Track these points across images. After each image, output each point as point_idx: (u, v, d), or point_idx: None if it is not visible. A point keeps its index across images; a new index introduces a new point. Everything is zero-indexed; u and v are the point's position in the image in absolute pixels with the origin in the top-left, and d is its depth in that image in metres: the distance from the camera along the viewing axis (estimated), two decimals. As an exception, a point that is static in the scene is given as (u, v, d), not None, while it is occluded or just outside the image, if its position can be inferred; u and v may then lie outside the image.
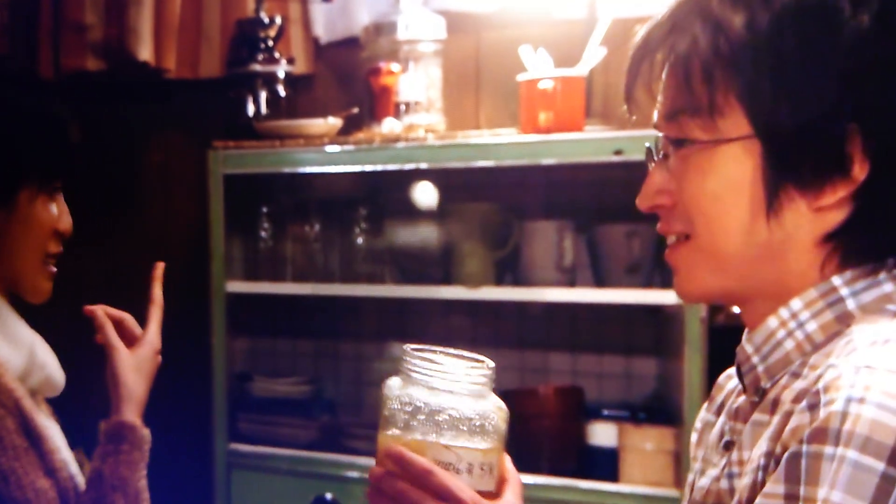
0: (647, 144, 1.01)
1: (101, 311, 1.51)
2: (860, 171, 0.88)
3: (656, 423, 2.27)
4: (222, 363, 2.61)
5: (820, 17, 0.87)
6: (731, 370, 1.08)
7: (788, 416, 0.85)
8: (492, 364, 1.01)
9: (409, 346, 1.02)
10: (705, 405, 1.13)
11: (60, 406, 1.55)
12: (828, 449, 0.78)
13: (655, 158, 0.99)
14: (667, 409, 2.34)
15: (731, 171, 0.91)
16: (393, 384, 1.02)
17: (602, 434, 2.31)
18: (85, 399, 1.65)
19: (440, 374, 0.99)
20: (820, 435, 0.79)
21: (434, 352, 1.03)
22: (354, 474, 2.48)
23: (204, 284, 2.60)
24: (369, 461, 2.58)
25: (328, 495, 2.49)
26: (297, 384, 2.79)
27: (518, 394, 2.40)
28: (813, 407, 0.81)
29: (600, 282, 2.39)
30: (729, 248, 0.93)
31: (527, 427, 2.30)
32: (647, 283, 2.30)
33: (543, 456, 2.31)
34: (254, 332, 2.89)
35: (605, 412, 2.36)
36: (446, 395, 0.99)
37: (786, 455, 0.81)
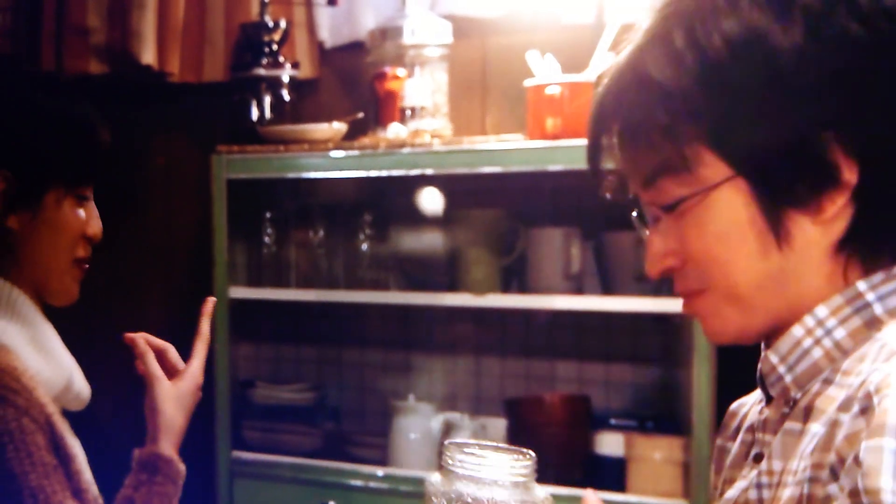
0: (633, 214, 1.00)
1: (142, 340, 1.49)
2: (850, 175, 0.88)
3: (664, 433, 2.25)
4: (225, 370, 2.60)
5: (754, 50, 0.87)
6: (743, 398, 1.07)
7: (836, 425, 0.84)
8: (534, 455, 1.02)
9: (450, 442, 1.03)
10: (719, 434, 1.12)
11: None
12: (887, 441, 0.77)
13: (646, 224, 0.98)
14: (675, 419, 2.32)
15: (727, 214, 0.91)
16: (435, 481, 1.03)
17: (609, 443, 2.30)
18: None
19: (486, 467, 0.99)
20: (879, 430, 0.78)
21: (475, 446, 1.02)
22: (358, 482, 2.47)
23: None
24: (373, 469, 2.58)
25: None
26: (301, 391, 2.77)
27: (524, 402, 2.39)
28: (866, 410, 0.80)
29: (608, 289, 2.37)
30: (749, 287, 0.92)
31: (533, 436, 2.28)
32: (655, 291, 2.27)
33: (549, 465, 2.28)
34: (257, 338, 2.88)
35: (613, 421, 2.35)
36: (493, 488, 0.98)
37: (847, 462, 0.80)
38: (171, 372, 1.50)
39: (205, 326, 1.53)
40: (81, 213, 1.44)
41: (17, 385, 1.31)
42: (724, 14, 0.88)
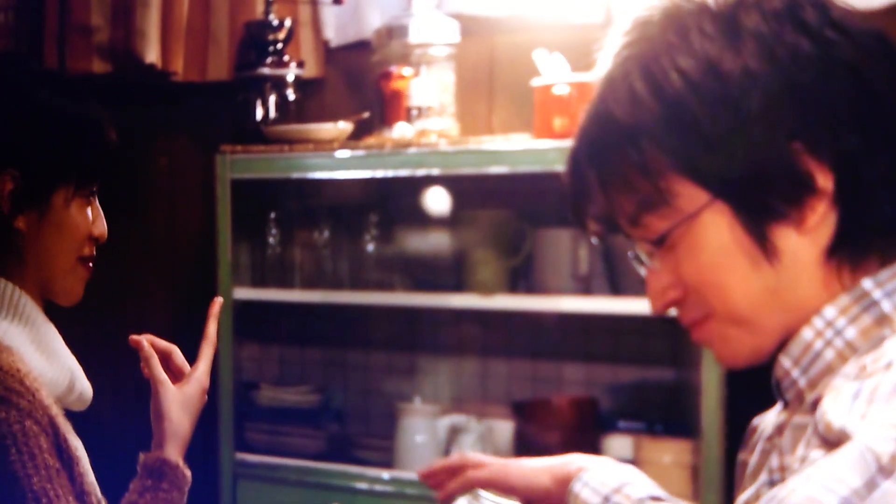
0: (629, 254, 1.02)
1: (147, 343, 1.47)
2: (825, 181, 0.90)
3: (673, 436, 2.24)
4: (229, 371, 2.59)
5: (710, 79, 0.90)
6: (765, 413, 1.07)
7: None
8: None
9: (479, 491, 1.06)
10: (741, 450, 1.12)
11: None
12: (847, 385, 0.80)
13: (645, 263, 1.00)
14: (684, 422, 2.30)
15: (714, 239, 0.93)
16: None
17: (617, 447, 2.28)
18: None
19: None
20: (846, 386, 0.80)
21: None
22: (363, 485, 2.46)
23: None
24: (378, 472, 2.57)
25: (336, 507, 2.47)
26: (305, 393, 2.76)
27: (531, 405, 2.38)
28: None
29: (616, 290, 2.35)
30: (749, 307, 0.93)
31: (540, 439, 2.27)
32: (664, 293, 2.26)
33: (557, 468, 2.28)
34: (261, 339, 2.87)
35: (621, 424, 2.34)
36: None
37: None
38: (177, 375, 1.48)
39: (212, 329, 1.51)
40: (88, 213, 1.43)
41: (21, 387, 1.29)
42: (678, 51, 0.92)
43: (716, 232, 0.92)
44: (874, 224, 0.92)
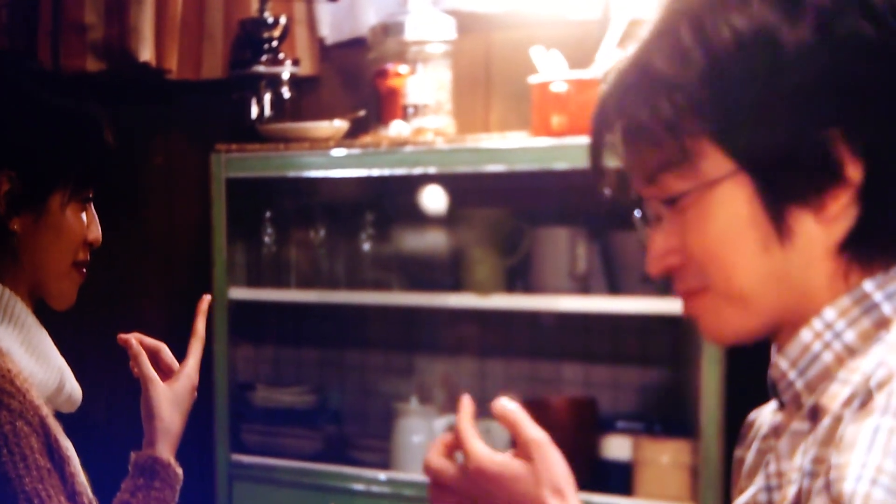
0: (636, 212, 1.00)
1: (135, 340, 1.48)
2: (855, 172, 0.88)
3: (673, 436, 2.22)
4: (224, 372, 2.58)
5: (759, 46, 0.88)
6: (761, 408, 1.07)
7: (838, 420, 0.84)
8: None
9: None
10: (738, 445, 1.11)
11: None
12: (869, 421, 0.79)
13: (649, 223, 0.98)
14: (684, 422, 2.29)
15: (729, 211, 0.91)
16: None
17: (616, 447, 2.27)
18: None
19: None
20: (866, 413, 0.79)
21: None
22: (360, 486, 2.45)
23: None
24: (375, 473, 2.56)
25: (333, 508, 2.46)
26: (302, 394, 2.75)
27: (529, 405, 2.34)
28: (865, 404, 0.81)
29: (615, 290, 2.35)
30: (749, 287, 0.92)
31: (538, 439, 2.25)
32: (663, 292, 2.25)
33: (555, 469, 2.27)
34: (257, 339, 2.86)
35: (620, 424, 2.32)
36: None
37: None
38: (166, 372, 1.48)
39: (200, 325, 1.52)
40: (84, 217, 1.42)
41: (11, 388, 1.29)
42: (733, 9, 0.89)
43: (733, 204, 0.90)
44: (893, 225, 0.91)
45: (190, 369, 1.48)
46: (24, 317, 1.40)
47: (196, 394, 1.49)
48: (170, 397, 1.45)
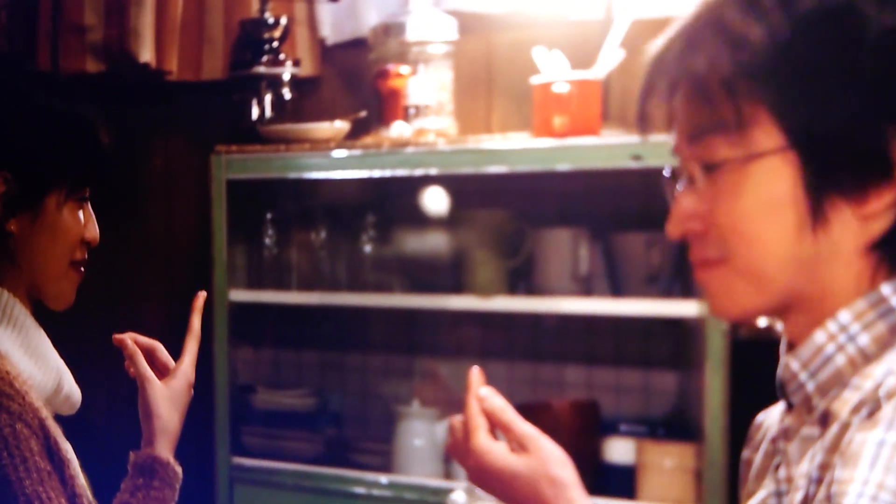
0: (665, 169, 0.97)
1: (130, 340, 1.48)
2: None
3: (676, 440, 2.21)
4: (225, 374, 2.57)
5: (844, 21, 0.85)
6: (769, 409, 1.05)
7: (846, 427, 0.83)
8: None
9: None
10: (745, 447, 1.10)
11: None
12: (874, 433, 0.78)
13: (679, 182, 0.95)
14: (687, 425, 2.28)
15: (768, 187, 0.88)
16: (460, 500, 1.05)
17: (619, 450, 2.26)
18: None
19: None
20: (872, 424, 0.78)
21: None
22: (361, 490, 2.44)
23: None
24: (376, 476, 2.55)
25: (334, 511, 2.45)
26: (302, 396, 2.75)
27: (531, 408, 2.35)
28: (874, 414, 0.80)
29: (617, 292, 2.34)
30: (771, 268, 0.89)
31: (541, 442, 2.25)
32: (667, 294, 2.25)
33: (558, 472, 2.26)
34: (257, 342, 2.85)
35: (623, 427, 2.31)
36: None
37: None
38: (162, 370, 1.49)
39: (196, 322, 1.52)
40: (80, 216, 1.42)
41: (10, 390, 1.29)
42: None
43: (774, 180, 0.87)
44: None
45: (186, 367, 1.48)
46: (23, 318, 1.39)
47: (192, 392, 1.49)
48: (167, 396, 1.45)
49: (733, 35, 0.87)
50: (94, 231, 1.44)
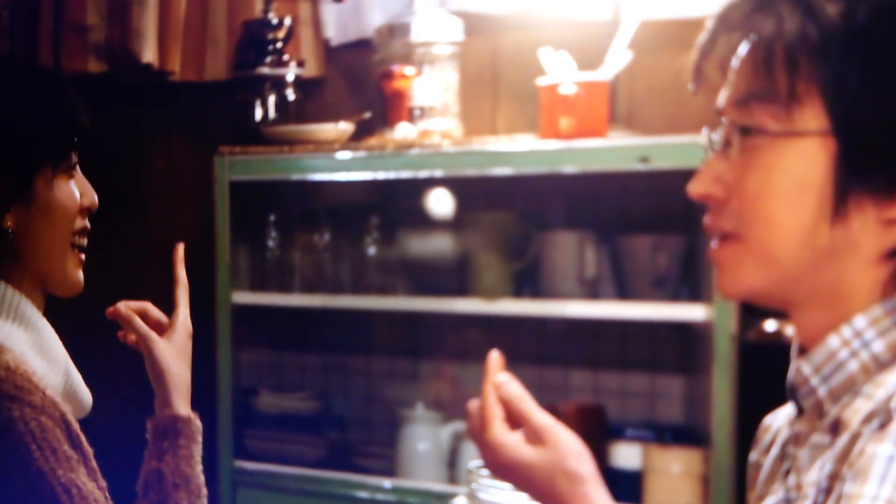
0: (704, 131, 0.95)
1: (122, 306, 1.47)
2: None
3: (683, 445, 2.20)
4: (227, 377, 2.56)
5: None
6: (777, 411, 1.05)
7: (856, 437, 0.82)
8: None
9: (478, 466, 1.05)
10: (752, 449, 1.10)
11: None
12: (883, 447, 0.77)
13: (715, 147, 0.94)
14: (694, 430, 2.28)
15: (800, 169, 0.87)
16: None
17: (626, 455, 2.25)
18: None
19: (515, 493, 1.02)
20: (881, 437, 0.77)
21: None
22: (365, 494, 2.43)
23: (209, 295, 2.55)
24: (380, 480, 2.54)
25: (337, 515, 2.45)
26: (305, 399, 2.74)
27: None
28: (885, 425, 0.79)
29: (624, 295, 2.33)
30: (785, 252, 0.89)
31: (546, 447, 2.24)
32: (674, 297, 2.24)
33: (563, 478, 2.25)
34: (260, 344, 2.85)
35: (629, 432, 2.30)
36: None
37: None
38: (157, 329, 1.47)
39: (181, 272, 1.50)
40: (73, 186, 1.40)
41: (30, 385, 1.27)
42: None
43: (807, 163, 0.87)
44: None
45: (183, 317, 1.47)
46: (34, 318, 1.39)
47: (191, 342, 1.48)
48: (172, 350, 1.44)
49: (810, 5, 0.86)
50: (91, 197, 1.42)
